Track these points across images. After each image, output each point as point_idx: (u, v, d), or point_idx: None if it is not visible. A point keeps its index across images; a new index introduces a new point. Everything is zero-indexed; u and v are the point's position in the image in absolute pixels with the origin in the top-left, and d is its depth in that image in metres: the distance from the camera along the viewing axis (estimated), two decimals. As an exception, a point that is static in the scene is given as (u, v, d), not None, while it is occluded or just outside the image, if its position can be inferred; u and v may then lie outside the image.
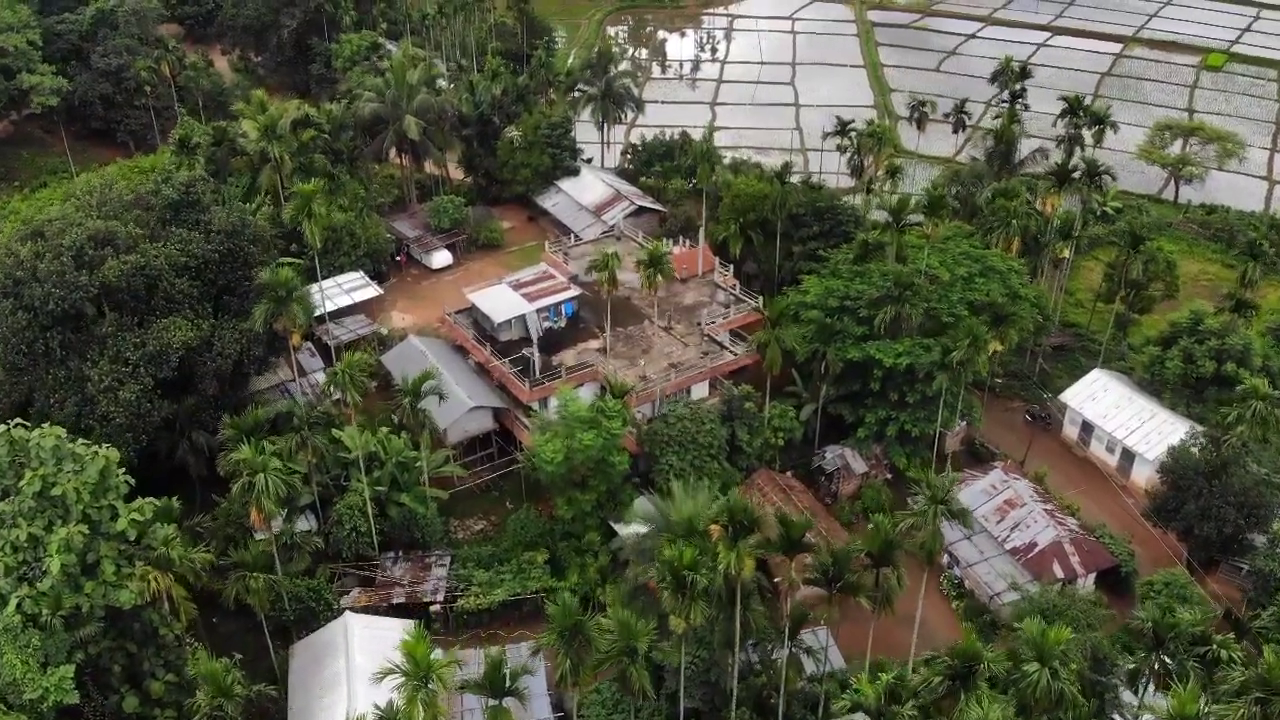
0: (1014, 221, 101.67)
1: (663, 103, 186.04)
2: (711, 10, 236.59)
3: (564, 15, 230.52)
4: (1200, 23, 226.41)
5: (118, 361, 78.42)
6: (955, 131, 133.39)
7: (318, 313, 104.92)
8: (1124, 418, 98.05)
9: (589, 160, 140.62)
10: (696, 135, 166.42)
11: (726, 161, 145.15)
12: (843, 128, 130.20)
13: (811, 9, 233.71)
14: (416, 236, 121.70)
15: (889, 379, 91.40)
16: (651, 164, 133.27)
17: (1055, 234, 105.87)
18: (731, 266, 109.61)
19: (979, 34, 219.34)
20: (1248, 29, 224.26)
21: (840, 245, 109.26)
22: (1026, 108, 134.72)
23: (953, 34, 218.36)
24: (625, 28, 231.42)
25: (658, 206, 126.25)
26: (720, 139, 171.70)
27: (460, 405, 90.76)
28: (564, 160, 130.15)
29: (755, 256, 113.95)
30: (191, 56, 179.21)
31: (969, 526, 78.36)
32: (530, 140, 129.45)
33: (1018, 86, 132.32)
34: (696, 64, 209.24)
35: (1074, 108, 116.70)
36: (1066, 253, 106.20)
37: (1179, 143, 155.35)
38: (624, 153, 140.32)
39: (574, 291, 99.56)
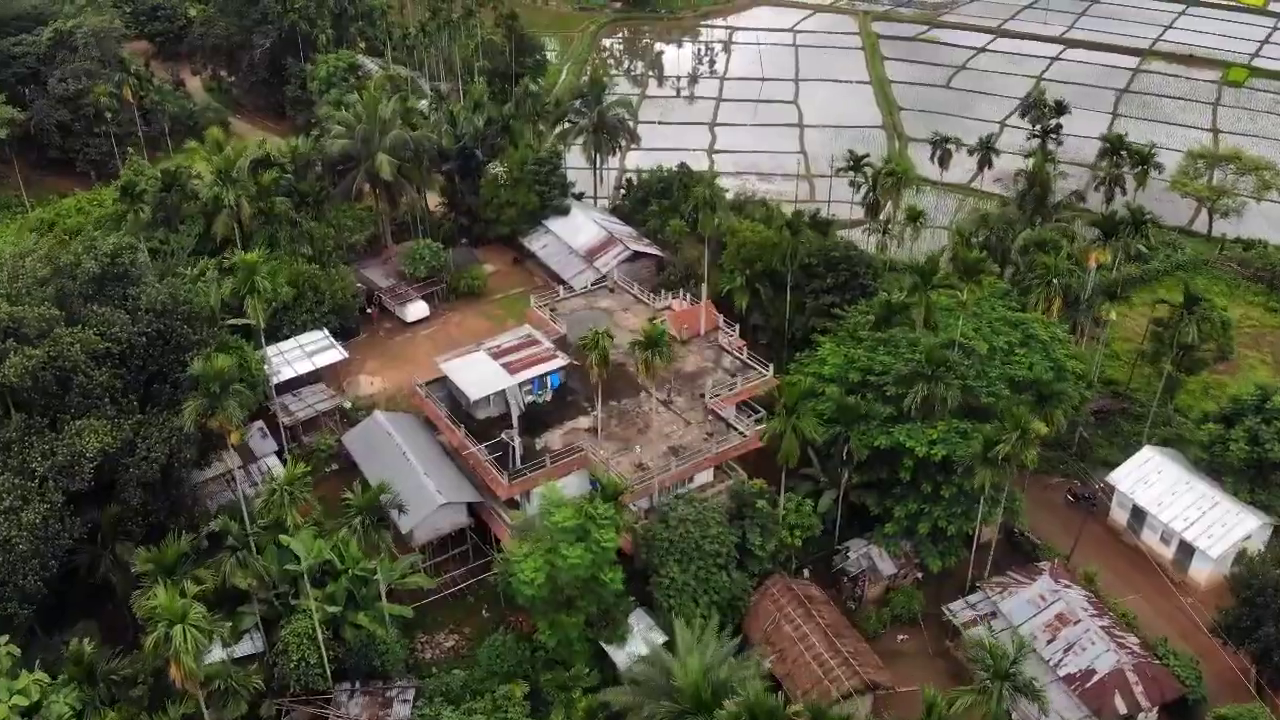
0: (1055, 280, 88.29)
1: (660, 123, 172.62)
2: (709, 22, 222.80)
3: (556, 28, 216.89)
4: (1218, 34, 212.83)
5: (22, 474, 65.03)
6: (981, 169, 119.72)
7: (276, 379, 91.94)
8: (1181, 506, 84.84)
9: (580, 195, 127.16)
10: (696, 162, 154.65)
11: (729, 194, 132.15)
12: (855, 162, 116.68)
13: (814, 20, 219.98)
14: (389, 286, 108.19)
15: (922, 468, 78.18)
16: (648, 202, 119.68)
17: (1100, 293, 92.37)
18: (737, 326, 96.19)
19: (989, 47, 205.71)
20: (1267, 40, 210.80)
21: (858, 300, 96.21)
22: (1060, 143, 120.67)
23: (961, 47, 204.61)
24: (620, 38, 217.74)
25: (655, 251, 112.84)
26: (721, 163, 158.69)
27: (429, 501, 77.44)
28: (553, 199, 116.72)
29: (763, 309, 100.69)
30: (161, 76, 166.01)
31: (1045, 711, 64.53)
32: (516, 177, 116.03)
33: (1053, 122, 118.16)
34: (694, 78, 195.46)
35: (1115, 147, 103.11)
36: (1113, 314, 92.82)
37: (1213, 172, 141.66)
38: (618, 187, 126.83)
39: (560, 361, 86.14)
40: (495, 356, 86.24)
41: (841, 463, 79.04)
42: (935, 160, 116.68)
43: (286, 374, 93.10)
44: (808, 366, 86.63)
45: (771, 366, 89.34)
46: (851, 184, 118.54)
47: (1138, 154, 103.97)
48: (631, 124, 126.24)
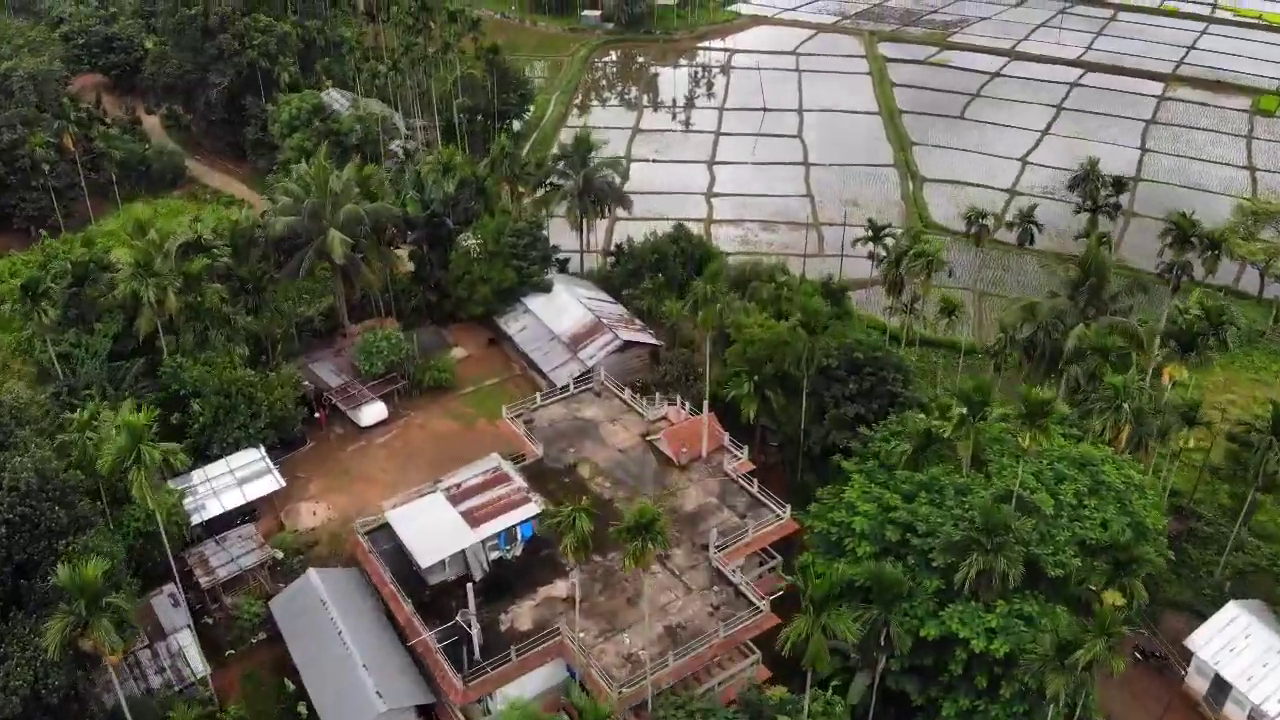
0: (1125, 405, 71.48)
1: (654, 161, 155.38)
2: (706, 43, 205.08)
3: (545, 50, 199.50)
4: (1244, 56, 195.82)
5: None
6: (1021, 245, 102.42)
7: (199, 517, 75.30)
8: (1275, 683, 68.35)
9: (565, 261, 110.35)
10: (694, 206, 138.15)
11: (730, 257, 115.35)
12: (875, 234, 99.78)
13: (817, 41, 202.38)
14: (342, 385, 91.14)
15: (977, 658, 61.56)
16: (640, 274, 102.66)
17: (1177, 418, 75.34)
18: (746, 448, 79.37)
19: (1003, 71, 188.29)
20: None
21: (886, 412, 79.52)
22: (1116, 219, 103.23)
23: (974, 71, 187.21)
24: (613, 62, 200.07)
25: (649, 339, 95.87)
26: (721, 209, 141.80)
27: (367, 708, 60.63)
28: (533, 275, 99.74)
29: (773, 415, 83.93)
30: (114, 113, 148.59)
31: None
32: (491, 250, 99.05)
33: (1112, 201, 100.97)
34: (691, 108, 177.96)
35: (1185, 234, 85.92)
36: (1192, 441, 75.86)
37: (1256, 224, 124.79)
38: (607, 253, 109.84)
39: (534, 508, 69.35)
40: (455, 500, 69.52)
41: (879, 648, 62.34)
42: (970, 237, 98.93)
43: (212, 509, 76.33)
44: (833, 512, 69.79)
45: (789, 508, 72.42)
46: (871, 256, 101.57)
47: (1209, 239, 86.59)
48: (621, 181, 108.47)
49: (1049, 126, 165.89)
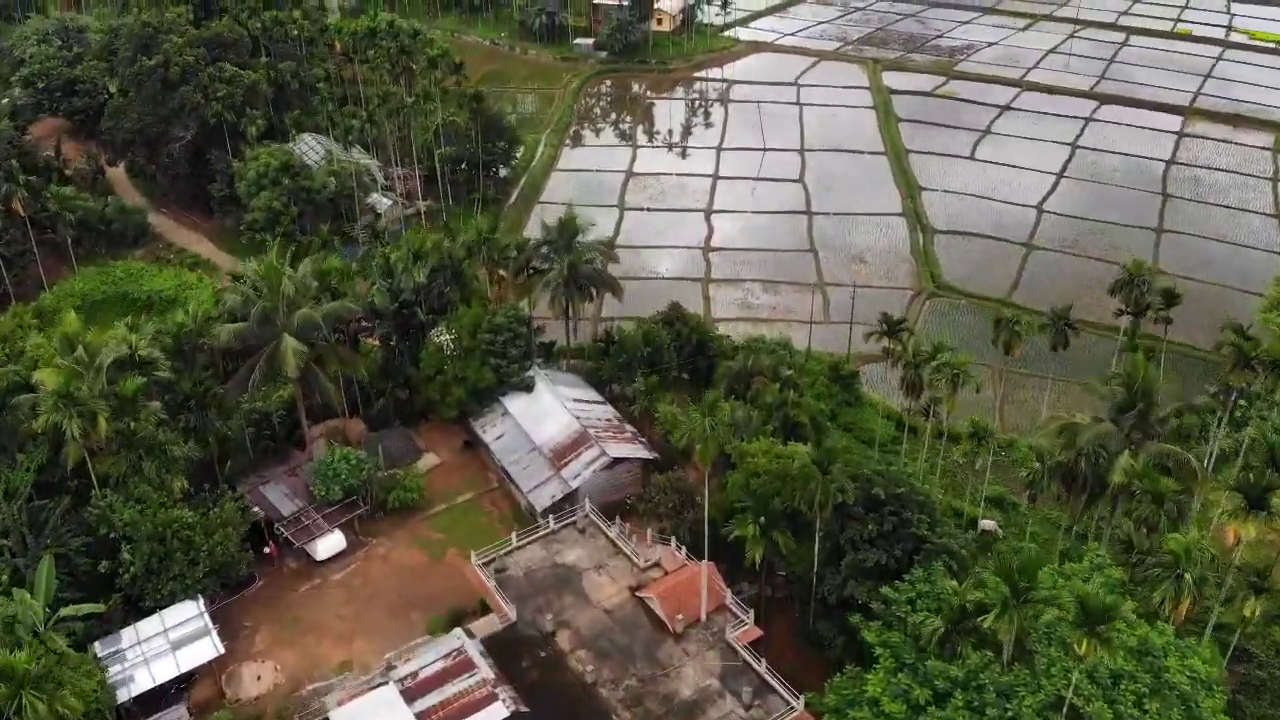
0: (1187, 575, 60.10)
1: (648, 209, 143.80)
2: (704, 73, 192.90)
3: (536, 80, 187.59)
4: (1261, 85, 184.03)
5: None
6: (1055, 349, 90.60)
7: (126, 693, 64.16)
8: None
9: (552, 345, 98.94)
10: (690, 262, 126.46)
11: (728, 336, 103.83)
12: (890, 327, 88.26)
13: (818, 71, 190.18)
14: (295, 514, 79.62)
15: None
16: (632, 368, 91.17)
17: (1245, 586, 63.86)
18: (752, 612, 68.04)
19: (1014, 104, 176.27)
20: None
21: (911, 563, 68.27)
22: (1169, 320, 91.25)
23: (983, 105, 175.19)
24: (606, 94, 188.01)
25: (641, 454, 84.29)
26: (719, 266, 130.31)
27: None
28: (512, 375, 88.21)
29: (780, 557, 72.63)
30: (76, 164, 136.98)
31: None
32: (467, 347, 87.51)
33: (1162, 310, 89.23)
34: (686, 142, 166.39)
35: (1246, 357, 74.22)
36: (1257, 610, 64.32)
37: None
38: (596, 340, 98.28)
39: (500, 710, 57.94)
40: (409, 695, 58.25)
41: None
42: (999, 344, 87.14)
43: (142, 681, 65.14)
44: (855, 711, 58.41)
45: (802, 700, 61.06)
46: (886, 352, 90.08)
47: (1273, 360, 74.84)
48: (607, 269, 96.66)
49: (1064, 168, 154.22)
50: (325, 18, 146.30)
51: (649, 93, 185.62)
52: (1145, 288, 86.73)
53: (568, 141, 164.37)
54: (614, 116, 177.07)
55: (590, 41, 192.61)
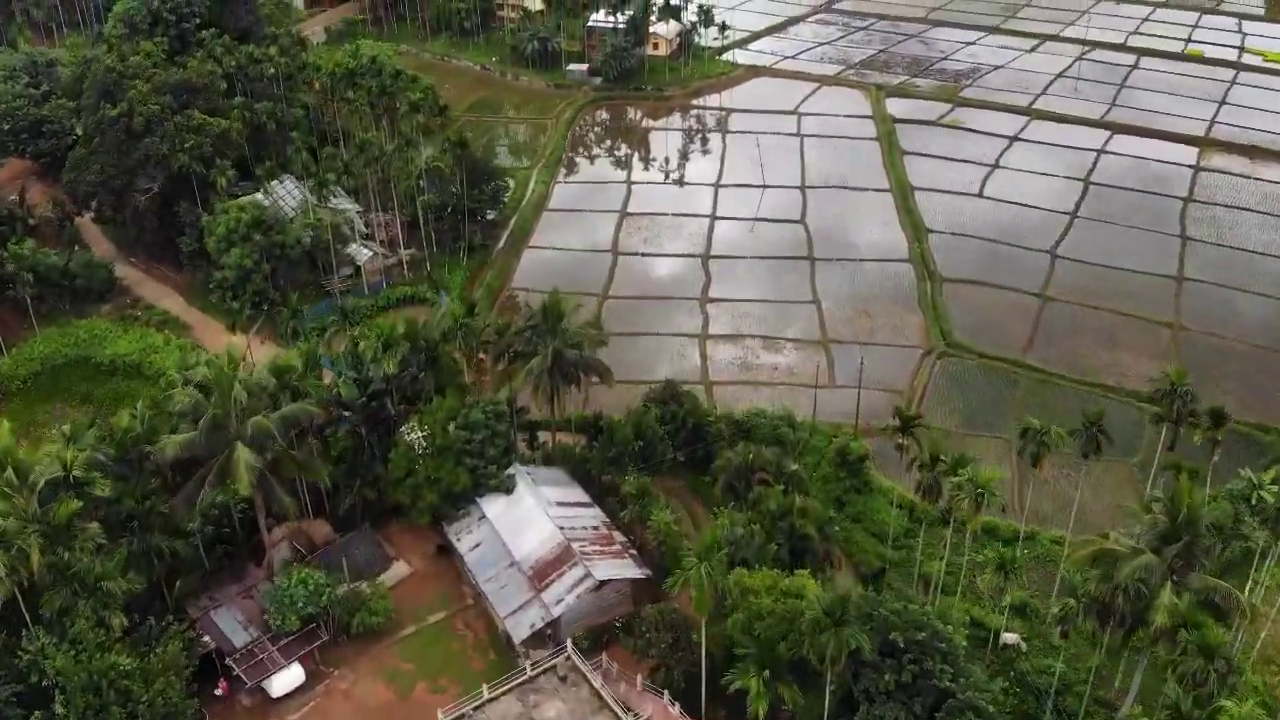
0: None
1: (642, 254, 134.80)
2: (702, 101, 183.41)
3: (528, 109, 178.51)
4: (1275, 112, 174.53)
5: None
6: (1085, 457, 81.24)
7: None
8: None
9: (535, 430, 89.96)
10: (688, 315, 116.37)
11: (724, 392, 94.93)
12: (904, 424, 79.19)
13: (820, 98, 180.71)
14: (249, 645, 70.69)
15: None
16: (622, 462, 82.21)
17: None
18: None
19: (1022, 134, 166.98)
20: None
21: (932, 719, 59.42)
22: (1216, 441, 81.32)
23: (991, 135, 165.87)
24: (600, 124, 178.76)
25: (632, 572, 75.37)
26: (717, 319, 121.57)
27: None
28: (490, 477, 79.28)
29: (787, 710, 63.72)
30: (41, 209, 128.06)
31: None
32: (441, 445, 78.50)
33: (1210, 430, 79.73)
34: (683, 177, 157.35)
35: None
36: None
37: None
38: (583, 428, 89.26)
39: None
40: None
41: None
42: (1026, 456, 77.81)
43: None
44: None
45: None
46: (900, 449, 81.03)
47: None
48: (595, 355, 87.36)
49: (1078, 207, 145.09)
50: (304, 54, 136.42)
51: (644, 122, 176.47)
52: (1188, 399, 77.14)
53: (560, 176, 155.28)
54: (608, 149, 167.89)
55: (584, 67, 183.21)
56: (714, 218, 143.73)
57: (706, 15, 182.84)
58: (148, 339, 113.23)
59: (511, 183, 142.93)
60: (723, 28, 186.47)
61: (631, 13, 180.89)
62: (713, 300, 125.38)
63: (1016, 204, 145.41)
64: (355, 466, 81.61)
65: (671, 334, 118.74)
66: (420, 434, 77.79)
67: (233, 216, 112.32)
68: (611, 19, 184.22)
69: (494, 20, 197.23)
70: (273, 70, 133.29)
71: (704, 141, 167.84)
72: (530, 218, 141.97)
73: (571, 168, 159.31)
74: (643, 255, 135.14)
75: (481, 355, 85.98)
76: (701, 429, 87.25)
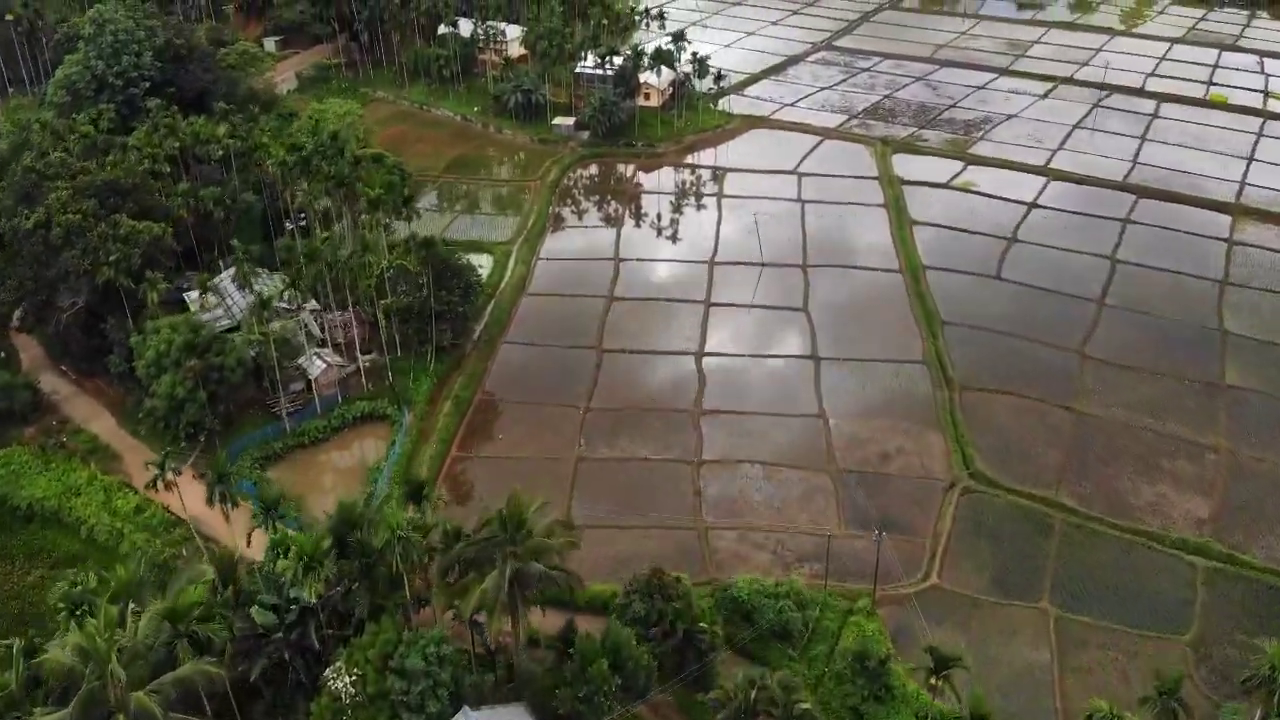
0: None
1: (629, 352, 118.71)
2: (696, 157, 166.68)
3: (511, 166, 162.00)
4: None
5: None
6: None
7: None
8: None
9: (493, 660, 73.74)
10: (677, 432, 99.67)
11: (723, 582, 79.06)
12: (938, 666, 62.96)
13: (821, 155, 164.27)
14: None
15: None
16: (595, 703, 65.99)
17: None
18: None
19: (1041, 199, 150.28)
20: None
21: None
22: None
23: (1006, 202, 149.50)
24: (589, 174, 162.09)
25: None
26: (711, 439, 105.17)
27: None
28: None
29: None
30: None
31: None
32: (372, 694, 62.38)
33: None
34: (676, 242, 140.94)
35: None
36: None
37: None
38: (552, 645, 72.93)
39: None
40: None
41: None
42: None
43: None
44: None
45: None
46: (933, 689, 64.95)
47: None
48: (565, 553, 70.92)
49: (1105, 291, 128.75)
50: (257, 132, 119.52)
51: (635, 183, 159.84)
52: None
53: (542, 250, 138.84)
54: (596, 217, 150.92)
55: (570, 122, 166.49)
56: (709, 304, 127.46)
57: (701, 66, 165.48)
58: (70, 476, 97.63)
59: (484, 273, 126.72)
60: (718, 78, 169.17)
61: (621, 62, 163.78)
62: (707, 413, 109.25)
63: (1038, 288, 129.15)
64: (277, 701, 65.27)
65: (661, 458, 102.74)
66: (347, 680, 61.49)
67: (164, 338, 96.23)
68: (600, 68, 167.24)
69: (476, 66, 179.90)
70: (220, 152, 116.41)
71: (698, 208, 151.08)
72: (508, 304, 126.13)
73: (556, 240, 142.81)
74: (629, 353, 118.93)
75: (427, 563, 69.46)
76: (693, 637, 71.17)
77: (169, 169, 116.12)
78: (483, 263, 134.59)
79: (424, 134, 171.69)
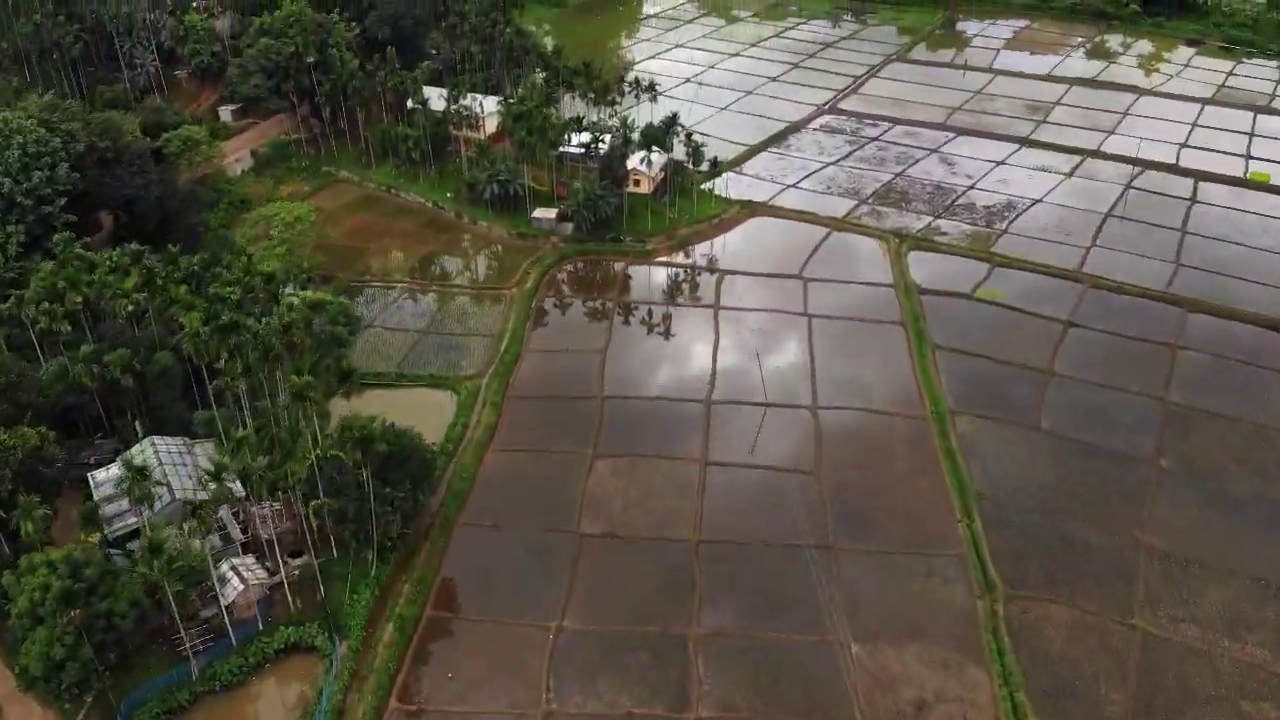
0: None
1: (612, 538, 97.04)
2: (689, 255, 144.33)
3: (487, 269, 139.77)
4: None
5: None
6: None
7: None
8: None
9: None
10: (667, 671, 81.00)
11: None
12: None
13: (828, 253, 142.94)
14: None
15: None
16: None
17: None
18: None
19: (1078, 314, 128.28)
20: None
21: None
22: None
23: (1039, 318, 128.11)
24: (572, 277, 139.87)
25: None
26: (711, 689, 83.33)
27: None
28: None
29: None
30: None
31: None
32: None
33: None
34: (666, 366, 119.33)
35: None
36: None
37: None
38: None
39: None
40: None
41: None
42: None
43: None
44: None
45: None
46: None
47: None
48: None
49: (1160, 445, 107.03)
50: (174, 288, 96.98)
51: (623, 292, 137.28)
52: None
53: (515, 385, 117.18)
54: (576, 337, 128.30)
55: (552, 214, 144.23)
56: (705, 463, 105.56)
57: (697, 153, 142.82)
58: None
59: (447, 414, 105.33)
60: (714, 164, 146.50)
61: (607, 147, 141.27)
62: (707, 636, 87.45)
63: (1083, 443, 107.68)
64: None
65: (644, 713, 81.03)
66: None
67: (39, 580, 74.20)
68: (585, 147, 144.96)
69: (450, 142, 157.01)
70: (130, 307, 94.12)
71: (693, 326, 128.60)
72: (472, 466, 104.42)
73: (531, 369, 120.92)
74: (612, 538, 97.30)
75: None
76: None
77: (69, 327, 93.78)
78: (445, 402, 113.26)
79: (391, 225, 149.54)
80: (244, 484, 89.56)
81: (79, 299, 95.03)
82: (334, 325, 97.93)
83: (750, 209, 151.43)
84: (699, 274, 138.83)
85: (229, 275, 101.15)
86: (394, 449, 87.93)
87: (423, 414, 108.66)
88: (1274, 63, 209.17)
